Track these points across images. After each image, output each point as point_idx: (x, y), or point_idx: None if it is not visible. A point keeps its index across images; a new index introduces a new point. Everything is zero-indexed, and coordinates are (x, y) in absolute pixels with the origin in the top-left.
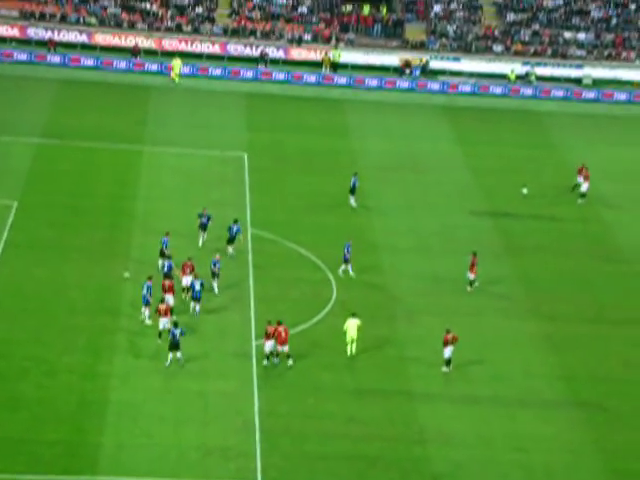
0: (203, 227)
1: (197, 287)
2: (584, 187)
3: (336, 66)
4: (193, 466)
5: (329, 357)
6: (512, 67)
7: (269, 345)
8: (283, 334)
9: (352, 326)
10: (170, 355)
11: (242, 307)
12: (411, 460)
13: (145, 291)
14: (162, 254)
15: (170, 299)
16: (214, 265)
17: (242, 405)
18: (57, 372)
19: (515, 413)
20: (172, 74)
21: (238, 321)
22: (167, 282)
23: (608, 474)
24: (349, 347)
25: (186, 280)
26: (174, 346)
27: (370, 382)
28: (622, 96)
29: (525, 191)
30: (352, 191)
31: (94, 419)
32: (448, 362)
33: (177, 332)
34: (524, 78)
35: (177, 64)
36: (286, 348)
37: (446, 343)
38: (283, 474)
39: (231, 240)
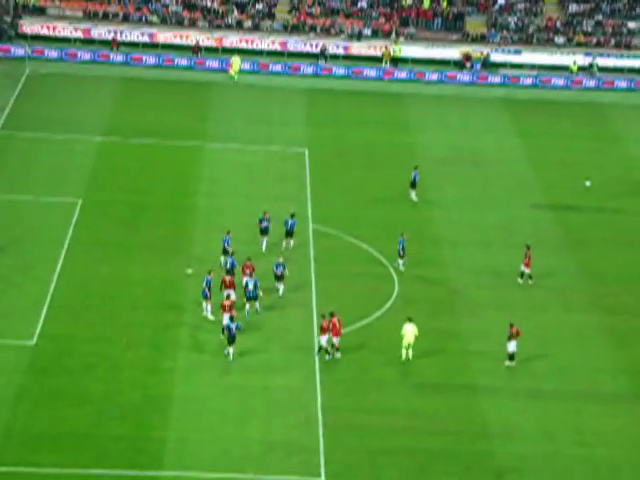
0: (265, 231)
1: (250, 286)
2: None
3: (397, 61)
4: (256, 461)
5: (391, 351)
6: (574, 58)
7: (324, 339)
8: (338, 325)
9: (409, 332)
10: (230, 350)
11: (304, 302)
12: (474, 454)
13: (204, 285)
14: (225, 251)
15: (232, 294)
16: (276, 268)
17: (305, 400)
18: (121, 368)
19: (579, 407)
20: (231, 71)
21: (300, 316)
22: (228, 278)
23: None
24: (404, 351)
25: (245, 280)
26: (232, 340)
27: (432, 376)
28: None
29: (588, 184)
30: (413, 185)
31: (158, 414)
32: (512, 356)
33: (233, 326)
34: (587, 69)
35: (236, 61)
36: (337, 340)
37: (510, 337)
38: (346, 469)
39: (289, 234)
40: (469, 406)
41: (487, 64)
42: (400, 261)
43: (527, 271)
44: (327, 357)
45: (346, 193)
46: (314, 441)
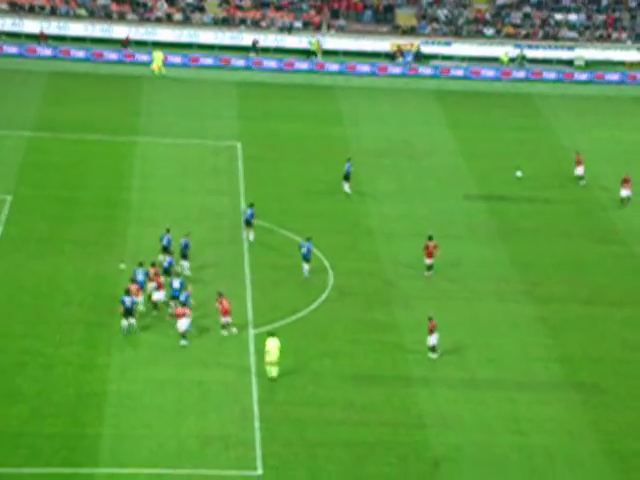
0: (248, 223)
1: (176, 285)
2: (579, 170)
3: (311, 54)
4: (193, 456)
5: (327, 344)
6: (505, 50)
7: (225, 319)
8: (226, 305)
9: (273, 348)
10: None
11: (238, 296)
12: (410, 445)
13: (135, 276)
14: (165, 250)
15: (156, 292)
16: (185, 247)
17: (241, 394)
18: (54, 365)
19: (513, 396)
20: (153, 65)
21: (234, 309)
22: (162, 279)
23: (606, 455)
24: (269, 369)
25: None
26: (128, 313)
27: (368, 368)
28: (614, 77)
29: (519, 174)
30: (346, 177)
31: (93, 411)
32: (434, 348)
33: (127, 300)
34: (515, 60)
35: (158, 56)
36: (227, 319)
37: (431, 330)
38: (283, 462)
39: (247, 224)
40: (404, 397)
41: (420, 56)
42: (306, 266)
43: (428, 262)
44: (224, 333)
45: (279, 186)
46: (251, 435)
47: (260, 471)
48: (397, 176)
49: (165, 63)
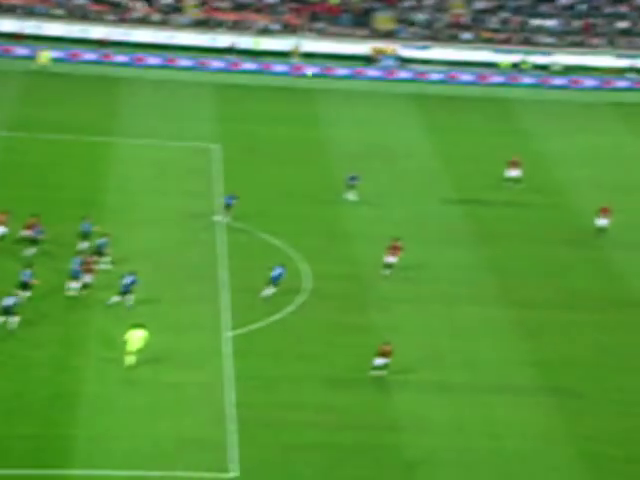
0: (227, 206)
1: (127, 281)
2: (513, 173)
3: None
4: (167, 458)
5: (303, 347)
6: (506, 57)
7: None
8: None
9: (134, 338)
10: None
11: (215, 298)
12: (385, 448)
13: (75, 265)
14: (84, 236)
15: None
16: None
17: (217, 396)
18: (30, 366)
19: (488, 400)
20: (39, 61)
21: (212, 312)
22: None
23: (580, 458)
24: (127, 358)
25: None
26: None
27: (345, 371)
28: (591, 82)
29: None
30: (350, 186)
31: (66, 412)
32: (376, 367)
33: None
34: (517, 66)
35: (45, 55)
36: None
37: (382, 354)
38: (259, 465)
39: (227, 207)
40: (380, 400)
41: (399, 60)
42: (271, 290)
43: (390, 260)
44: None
45: (257, 188)
46: (226, 437)
47: (236, 473)
48: (375, 180)
49: (140, 64)
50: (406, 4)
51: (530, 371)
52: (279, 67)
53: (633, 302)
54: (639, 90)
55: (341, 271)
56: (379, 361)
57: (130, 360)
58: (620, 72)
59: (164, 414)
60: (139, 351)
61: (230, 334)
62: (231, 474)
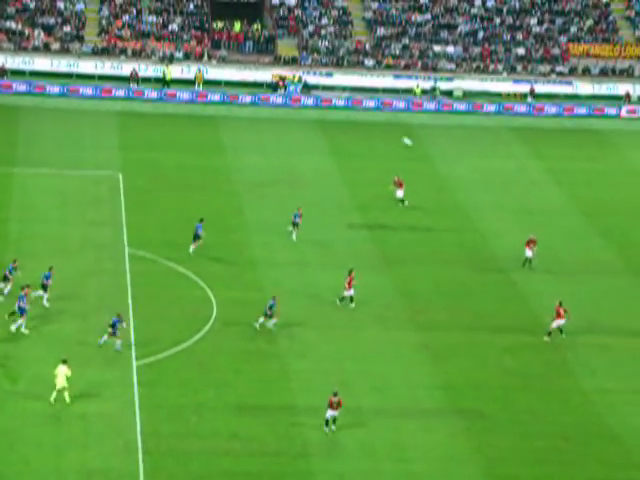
0: (195, 237)
1: (22, 304)
2: (399, 193)
3: (168, 83)
4: None
5: (210, 375)
6: (417, 82)
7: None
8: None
9: (60, 374)
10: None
11: (121, 327)
12: (295, 474)
13: (20, 302)
14: (5, 278)
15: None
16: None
17: (124, 426)
18: None
19: (397, 423)
20: None
21: (117, 342)
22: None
23: None
24: (55, 394)
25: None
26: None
27: (253, 398)
28: (492, 107)
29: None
30: (195, 237)
31: None
32: (327, 422)
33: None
34: (429, 92)
35: None
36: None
37: (331, 405)
38: None
39: (195, 238)
40: (289, 426)
41: (306, 87)
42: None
43: (348, 293)
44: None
45: (161, 216)
46: (134, 468)
47: None
48: (280, 205)
49: (43, 92)
50: (308, 31)
51: (438, 394)
52: (183, 94)
53: (537, 324)
54: (538, 115)
55: (246, 298)
56: (330, 413)
57: (59, 397)
58: (519, 97)
59: (70, 446)
60: (64, 388)
61: (136, 364)
62: None
